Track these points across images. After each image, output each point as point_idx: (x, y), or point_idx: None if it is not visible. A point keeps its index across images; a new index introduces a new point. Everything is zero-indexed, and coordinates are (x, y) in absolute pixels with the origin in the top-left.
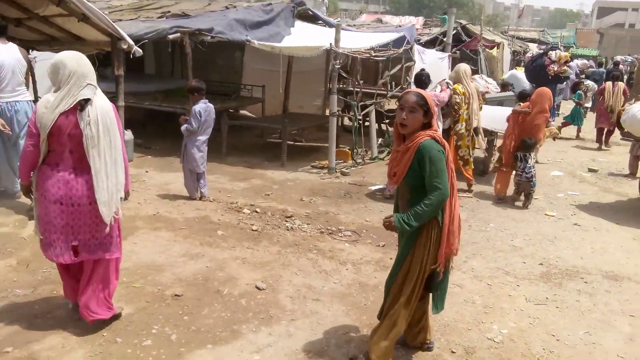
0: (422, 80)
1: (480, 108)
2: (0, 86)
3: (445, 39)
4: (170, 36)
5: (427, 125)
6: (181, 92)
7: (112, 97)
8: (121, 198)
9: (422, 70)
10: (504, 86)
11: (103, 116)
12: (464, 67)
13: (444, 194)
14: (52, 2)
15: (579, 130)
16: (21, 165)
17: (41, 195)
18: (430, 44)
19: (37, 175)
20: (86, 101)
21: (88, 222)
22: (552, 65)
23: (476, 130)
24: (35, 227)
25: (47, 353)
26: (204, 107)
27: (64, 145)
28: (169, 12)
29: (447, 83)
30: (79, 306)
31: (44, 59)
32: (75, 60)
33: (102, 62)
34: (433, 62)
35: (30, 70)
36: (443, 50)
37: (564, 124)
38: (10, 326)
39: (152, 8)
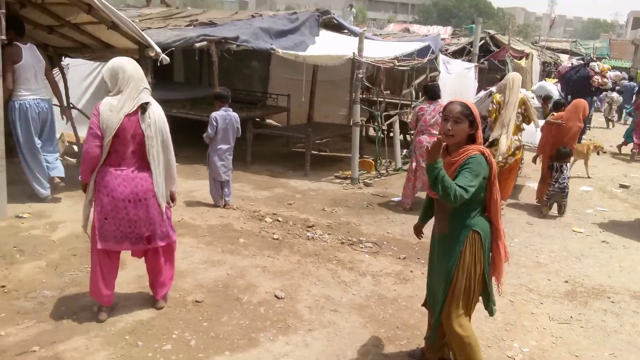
0: (435, 91)
1: (527, 121)
2: (27, 84)
3: (472, 49)
4: (197, 44)
5: (472, 138)
6: (209, 100)
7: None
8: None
9: (433, 81)
10: (546, 99)
11: (159, 118)
12: (512, 76)
13: (462, 196)
14: (82, 10)
15: (625, 144)
16: (85, 165)
17: (107, 195)
18: (458, 54)
19: (99, 175)
20: (146, 104)
21: (155, 213)
22: (595, 77)
23: (495, 141)
24: (85, 224)
25: (71, 354)
26: (221, 115)
27: (127, 145)
28: (196, 20)
29: (490, 91)
30: (153, 290)
31: (76, 65)
32: (132, 66)
33: None
34: (459, 72)
35: (62, 75)
36: (470, 60)
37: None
38: (37, 326)
39: (180, 16)
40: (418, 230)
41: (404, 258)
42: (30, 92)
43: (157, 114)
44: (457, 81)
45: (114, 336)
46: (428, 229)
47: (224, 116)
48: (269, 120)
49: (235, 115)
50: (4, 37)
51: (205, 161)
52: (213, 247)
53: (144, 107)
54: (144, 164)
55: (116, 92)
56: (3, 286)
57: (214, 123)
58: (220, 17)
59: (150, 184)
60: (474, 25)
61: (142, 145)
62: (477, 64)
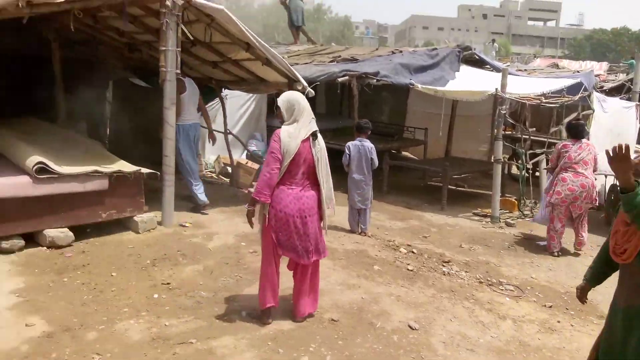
0: (579, 130)
1: None
2: (189, 111)
3: (632, 87)
4: (340, 79)
5: None
6: (348, 130)
7: None
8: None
9: (578, 119)
10: None
11: (323, 145)
12: None
13: None
14: (242, 48)
15: None
16: (263, 186)
17: (280, 211)
18: (616, 91)
19: (275, 194)
20: (316, 132)
21: (316, 230)
22: None
23: None
24: (261, 241)
25: (222, 350)
26: (355, 144)
27: (299, 167)
28: (339, 56)
29: None
30: (296, 305)
31: (232, 97)
32: (303, 99)
33: None
34: (616, 111)
35: (222, 105)
36: (629, 99)
37: None
38: (194, 322)
39: (324, 53)
40: (583, 294)
41: (550, 306)
42: (191, 117)
43: (321, 140)
44: (614, 121)
45: (258, 340)
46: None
47: (358, 146)
48: (405, 153)
49: (369, 145)
50: (179, 71)
51: (343, 188)
52: (349, 271)
53: (314, 135)
54: (309, 184)
55: (292, 121)
56: (168, 283)
57: (347, 151)
58: (362, 54)
59: (314, 202)
60: (634, 61)
61: (310, 167)
62: (637, 103)
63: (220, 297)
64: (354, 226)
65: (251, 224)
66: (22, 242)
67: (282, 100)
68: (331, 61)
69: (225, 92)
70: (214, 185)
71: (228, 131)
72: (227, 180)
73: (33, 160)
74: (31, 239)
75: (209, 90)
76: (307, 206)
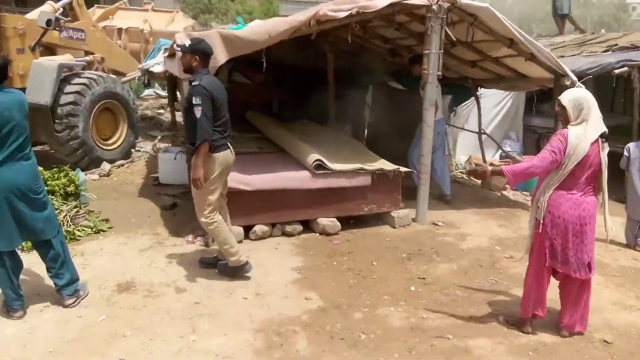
0: None
1: None
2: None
3: None
4: (616, 70)
5: None
6: (624, 130)
7: (549, 132)
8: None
9: None
10: None
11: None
12: None
13: None
14: (504, 44)
15: None
16: (520, 173)
17: (558, 217)
18: None
19: (552, 197)
20: (604, 133)
21: (593, 239)
22: None
23: None
24: (527, 247)
25: (479, 351)
26: (636, 145)
27: (583, 172)
28: (615, 45)
29: None
30: (562, 319)
31: (487, 95)
32: (591, 97)
33: (540, 97)
34: None
35: (477, 103)
36: None
37: None
38: (450, 318)
39: (596, 42)
40: None
41: None
42: (439, 113)
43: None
44: None
45: (517, 348)
46: None
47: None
48: None
49: None
50: (439, 73)
51: (615, 196)
52: (625, 290)
53: (603, 136)
54: (590, 189)
55: (580, 121)
56: (424, 278)
57: (626, 153)
58: None
59: (595, 209)
60: None
61: (595, 172)
62: None
63: (475, 298)
64: (631, 240)
65: (478, 178)
66: (300, 228)
67: (567, 99)
68: (605, 51)
69: (479, 90)
70: (465, 186)
71: (482, 131)
72: (479, 181)
73: (312, 157)
74: (306, 226)
75: (464, 90)
76: (587, 213)
